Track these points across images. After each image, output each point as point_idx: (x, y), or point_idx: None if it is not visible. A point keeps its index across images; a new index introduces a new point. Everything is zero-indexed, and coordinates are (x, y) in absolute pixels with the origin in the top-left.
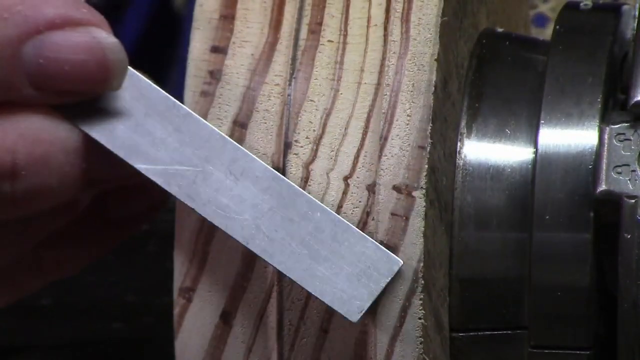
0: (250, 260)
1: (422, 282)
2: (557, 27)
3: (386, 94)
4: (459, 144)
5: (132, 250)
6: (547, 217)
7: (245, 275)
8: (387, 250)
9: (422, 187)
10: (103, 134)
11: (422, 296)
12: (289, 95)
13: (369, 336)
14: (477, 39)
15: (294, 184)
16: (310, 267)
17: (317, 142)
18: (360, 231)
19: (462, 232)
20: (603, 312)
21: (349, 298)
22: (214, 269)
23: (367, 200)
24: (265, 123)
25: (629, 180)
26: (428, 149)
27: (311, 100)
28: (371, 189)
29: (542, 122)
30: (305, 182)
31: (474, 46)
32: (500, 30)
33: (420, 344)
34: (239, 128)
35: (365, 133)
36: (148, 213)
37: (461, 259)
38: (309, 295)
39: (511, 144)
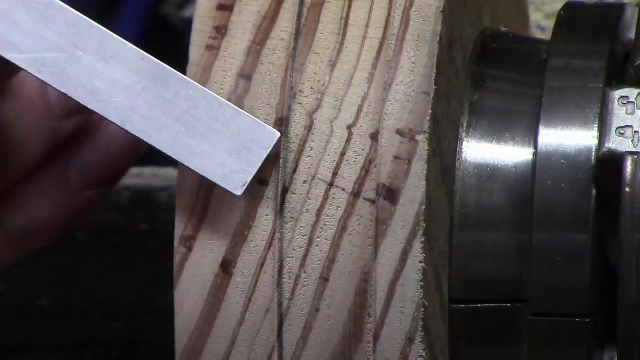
0: (251, 208)
1: (424, 225)
2: (562, 12)
3: (391, 43)
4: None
5: (132, 250)
6: (550, 182)
7: (247, 223)
8: (263, 123)
9: (425, 132)
10: None
11: (423, 239)
12: (294, 48)
13: (370, 281)
14: (482, 31)
15: (165, 65)
16: (189, 144)
17: (322, 92)
18: (236, 107)
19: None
20: (604, 280)
21: (231, 172)
22: (215, 217)
23: (370, 148)
24: (270, 75)
25: (632, 140)
26: (432, 95)
27: (316, 53)
28: (374, 137)
29: (545, 98)
30: (309, 130)
31: (479, 35)
32: (504, 29)
33: (421, 288)
34: (244, 80)
35: (369, 84)
36: (109, 179)
37: (463, 228)
38: (310, 243)
39: (514, 125)
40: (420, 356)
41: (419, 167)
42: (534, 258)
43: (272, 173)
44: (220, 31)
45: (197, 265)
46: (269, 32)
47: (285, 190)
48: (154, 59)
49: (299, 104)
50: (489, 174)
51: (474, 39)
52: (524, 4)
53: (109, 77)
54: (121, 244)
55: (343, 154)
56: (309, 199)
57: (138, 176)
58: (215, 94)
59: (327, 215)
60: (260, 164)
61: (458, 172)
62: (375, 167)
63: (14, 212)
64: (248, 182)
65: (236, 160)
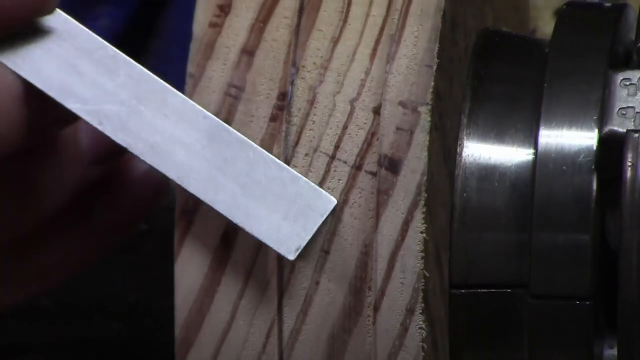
0: None
1: (425, 195)
2: (565, 6)
3: (394, 18)
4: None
5: (132, 250)
6: (551, 165)
7: None
8: (321, 189)
9: (428, 104)
10: (34, 74)
11: (424, 210)
12: (297, 25)
13: (370, 253)
14: (484, 28)
15: (225, 124)
16: (246, 205)
17: (324, 67)
18: (294, 171)
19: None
20: (605, 262)
21: (285, 237)
22: None
23: (372, 122)
24: (273, 51)
25: (633, 120)
26: (434, 68)
27: (319, 30)
28: (377, 111)
29: (547, 85)
30: (311, 104)
31: (481, 31)
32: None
33: (422, 258)
34: (247, 56)
35: (372, 59)
36: (132, 221)
37: (464, 213)
38: None
39: (516, 112)
40: (420, 328)
41: (421, 138)
42: (534, 241)
43: (274, 146)
44: (224, 9)
45: (197, 239)
46: (273, 10)
47: (287, 163)
48: (215, 118)
49: (302, 78)
50: (490, 160)
51: (477, 32)
52: (525, 17)
53: (169, 133)
54: (121, 244)
55: (345, 127)
56: (311, 171)
57: None
58: (275, 158)
59: (329, 188)
60: (315, 230)
61: (459, 157)
62: (377, 139)
63: (36, 253)
64: (302, 247)
65: (291, 225)
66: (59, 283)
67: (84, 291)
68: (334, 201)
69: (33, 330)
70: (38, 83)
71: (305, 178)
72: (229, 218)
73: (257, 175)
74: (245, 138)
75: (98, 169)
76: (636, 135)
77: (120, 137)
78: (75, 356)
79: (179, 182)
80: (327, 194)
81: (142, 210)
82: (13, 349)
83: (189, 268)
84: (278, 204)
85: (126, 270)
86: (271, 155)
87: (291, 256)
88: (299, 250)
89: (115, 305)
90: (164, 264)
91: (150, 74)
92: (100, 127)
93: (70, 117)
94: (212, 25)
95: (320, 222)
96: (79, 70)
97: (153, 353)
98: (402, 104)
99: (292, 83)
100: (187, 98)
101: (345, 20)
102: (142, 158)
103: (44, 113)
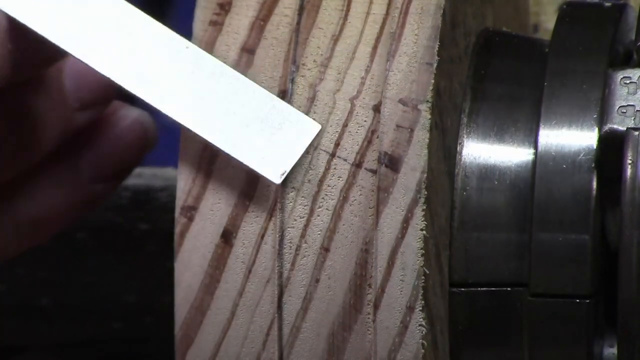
0: (253, 178)
1: (425, 193)
2: (565, 6)
3: (394, 15)
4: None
5: (132, 250)
6: (551, 163)
7: (248, 193)
8: (305, 115)
9: (428, 101)
10: (16, 7)
11: (424, 207)
12: (297, 24)
13: (370, 251)
14: (484, 29)
15: (209, 54)
16: (230, 131)
17: (325, 65)
18: (278, 97)
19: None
20: (604, 261)
21: (271, 161)
22: (217, 188)
23: (373, 120)
24: (274, 49)
25: (634, 119)
26: (435, 66)
27: (320, 28)
28: (377, 109)
29: (546, 84)
30: (311, 102)
31: (482, 31)
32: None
33: (421, 256)
34: (247, 54)
35: (372, 57)
36: (118, 173)
37: (464, 211)
38: (311, 213)
39: (515, 118)
40: (420, 325)
41: (421, 136)
42: (533, 240)
43: None
44: (224, 7)
45: (197, 236)
46: (273, 9)
47: None
48: (199, 48)
49: (302, 76)
50: (490, 159)
51: (477, 32)
52: (525, 17)
53: (152, 62)
54: (121, 244)
55: (345, 125)
56: (311, 169)
57: (138, 176)
58: (258, 85)
59: (329, 186)
60: (300, 154)
61: (459, 156)
62: (377, 137)
63: (24, 201)
64: (287, 171)
65: (277, 150)
66: (48, 237)
67: (83, 291)
68: (318, 126)
69: (32, 330)
70: (21, 17)
71: (290, 105)
72: (214, 144)
73: (242, 101)
74: (229, 67)
75: (82, 115)
76: (636, 133)
77: (102, 67)
78: (75, 356)
79: (161, 108)
80: (311, 119)
81: (128, 161)
82: (12, 349)
83: (189, 265)
84: (263, 130)
85: (126, 270)
86: (255, 84)
87: (277, 180)
88: (284, 175)
89: (115, 305)
90: (164, 264)
91: (131, 5)
92: (82, 59)
93: (55, 54)
94: (213, 23)
95: (305, 146)
96: (59, 2)
97: (153, 353)
98: (402, 101)
99: (293, 81)
100: (169, 29)
101: (345, 19)
102: (124, 87)
103: (29, 49)
